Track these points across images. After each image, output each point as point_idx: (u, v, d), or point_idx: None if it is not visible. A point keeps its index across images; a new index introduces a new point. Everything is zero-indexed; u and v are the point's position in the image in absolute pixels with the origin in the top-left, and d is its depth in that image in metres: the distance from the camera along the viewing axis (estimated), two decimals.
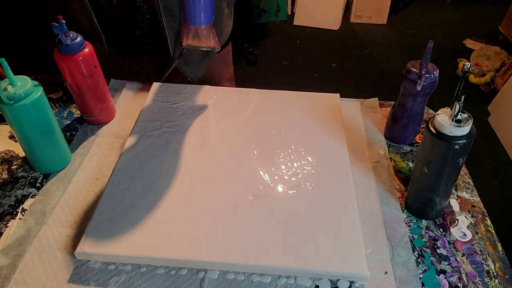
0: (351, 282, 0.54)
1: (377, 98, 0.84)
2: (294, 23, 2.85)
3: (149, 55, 1.01)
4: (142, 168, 0.65)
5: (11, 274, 0.54)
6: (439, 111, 0.53)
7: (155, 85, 0.82)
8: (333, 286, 0.53)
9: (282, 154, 0.68)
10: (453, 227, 0.61)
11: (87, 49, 0.69)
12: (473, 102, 2.18)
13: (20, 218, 0.61)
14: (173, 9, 0.78)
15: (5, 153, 0.72)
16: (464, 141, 0.52)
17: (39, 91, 0.61)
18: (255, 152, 0.68)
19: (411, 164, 0.71)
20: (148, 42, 0.91)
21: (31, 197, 0.64)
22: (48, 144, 0.65)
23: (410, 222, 0.62)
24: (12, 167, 0.69)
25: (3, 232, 0.59)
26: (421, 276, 0.55)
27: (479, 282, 0.55)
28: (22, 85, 0.59)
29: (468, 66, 0.52)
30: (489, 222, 0.62)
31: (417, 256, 0.57)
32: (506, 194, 1.69)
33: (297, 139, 0.71)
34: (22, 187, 0.66)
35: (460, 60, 2.47)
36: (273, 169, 0.66)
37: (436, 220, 0.62)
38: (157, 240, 0.55)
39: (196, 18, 0.71)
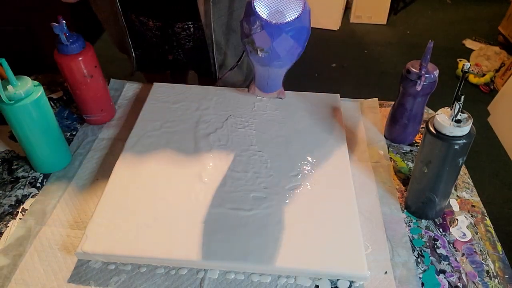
0: (351, 282, 0.54)
1: (377, 98, 0.84)
2: None
3: (173, 72, 1.02)
4: (142, 168, 0.65)
5: (11, 274, 0.54)
6: (439, 111, 0.53)
7: (155, 85, 0.82)
8: (333, 286, 0.54)
9: (282, 154, 0.68)
10: (453, 227, 0.61)
11: (87, 49, 0.69)
12: (473, 102, 2.18)
13: (20, 218, 0.61)
14: (222, 45, 0.84)
15: (5, 153, 0.72)
16: (464, 141, 0.52)
17: (39, 91, 0.61)
18: (256, 151, 0.68)
19: (411, 164, 0.71)
20: (179, 65, 0.93)
21: (31, 197, 0.64)
22: (48, 144, 0.65)
23: (410, 222, 0.62)
24: (12, 167, 0.69)
25: (3, 232, 0.59)
26: (421, 276, 0.55)
27: (479, 282, 0.55)
28: (22, 85, 0.59)
29: (468, 66, 0.52)
30: (488, 222, 0.63)
31: (417, 256, 0.57)
32: (506, 194, 1.69)
33: (297, 139, 0.71)
34: (22, 187, 0.66)
35: (460, 60, 2.47)
36: (273, 169, 0.66)
37: (436, 220, 0.62)
38: (157, 240, 0.55)
39: (271, 87, 0.69)
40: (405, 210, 0.64)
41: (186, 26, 0.84)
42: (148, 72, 1.00)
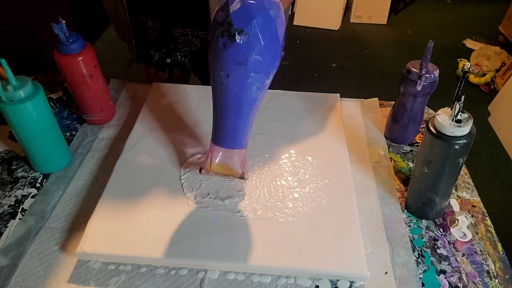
0: (351, 282, 0.54)
1: (377, 98, 0.84)
2: (294, 23, 2.85)
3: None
4: (142, 168, 0.65)
5: (11, 274, 0.54)
6: (439, 111, 0.53)
7: (155, 85, 0.82)
8: (333, 286, 0.53)
9: (282, 154, 0.68)
10: (453, 227, 0.61)
11: (87, 49, 0.69)
12: (473, 102, 2.18)
13: (20, 218, 0.61)
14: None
15: (5, 153, 0.72)
16: (464, 141, 0.52)
17: (39, 91, 0.61)
18: (255, 152, 0.68)
19: (411, 164, 0.71)
20: (178, 68, 0.93)
21: (31, 197, 0.64)
22: (48, 144, 0.65)
23: (410, 222, 0.62)
24: (12, 167, 0.69)
25: (3, 232, 0.59)
26: (421, 276, 0.55)
27: (479, 282, 0.55)
28: (22, 85, 0.59)
29: (468, 66, 0.52)
30: (489, 222, 0.62)
31: (417, 256, 0.57)
32: (506, 194, 1.69)
33: (297, 139, 0.71)
34: (22, 187, 0.66)
35: (460, 60, 2.47)
36: (273, 169, 0.66)
37: (436, 220, 0.62)
38: (157, 240, 0.55)
39: (236, 138, 0.57)
40: (405, 210, 0.64)
41: (184, 32, 0.84)
42: (146, 65, 0.99)
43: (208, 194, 0.61)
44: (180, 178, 0.63)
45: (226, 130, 0.56)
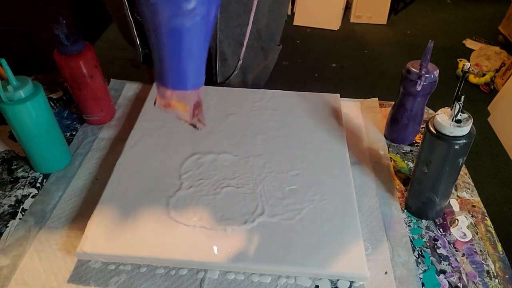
0: (351, 282, 0.54)
1: (377, 98, 0.84)
2: (294, 23, 2.85)
3: None
4: (142, 168, 0.65)
5: (11, 274, 0.54)
6: (439, 111, 0.53)
7: (155, 85, 0.82)
8: (333, 286, 0.53)
9: (282, 154, 0.68)
10: (453, 227, 0.61)
11: (87, 49, 0.69)
12: (473, 102, 2.18)
13: (20, 218, 0.61)
14: (228, 56, 0.82)
15: (5, 153, 0.72)
16: (464, 141, 0.52)
17: (39, 91, 0.61)
18: (255, 152, 0.68)
19: (411, 164, 0.71)
20: None
21: (31, 197, 0.64)
22: (48, 144, 0.65)
23: (410, 222, 0.62)
24: (12, 167, 0.69)
25: (3, 232, 0.59)
26: (421, 276, 0.55)
27: (479, 282, 0.55)
28: (22, 85, 0.59)
29: (468, 66, 0.52)
30: (489, 222, 0.62)
31: (417, 256, 0.57)
32: (506, 194, 1.69)
33: (297, 139, 0.71)
34: (22, 187, 0.66)
35: (460, 60, 2.47)
36: (273, 169, 0.66)
37: (436, 220, 0.62)
38: (157, 240, 0.55)
39: (180, 78, 0.47)
40: (405, 210, 0.64)
41: None
42: (151, 65, 0.99)
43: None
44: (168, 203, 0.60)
45: (175, 68, 0.46)
